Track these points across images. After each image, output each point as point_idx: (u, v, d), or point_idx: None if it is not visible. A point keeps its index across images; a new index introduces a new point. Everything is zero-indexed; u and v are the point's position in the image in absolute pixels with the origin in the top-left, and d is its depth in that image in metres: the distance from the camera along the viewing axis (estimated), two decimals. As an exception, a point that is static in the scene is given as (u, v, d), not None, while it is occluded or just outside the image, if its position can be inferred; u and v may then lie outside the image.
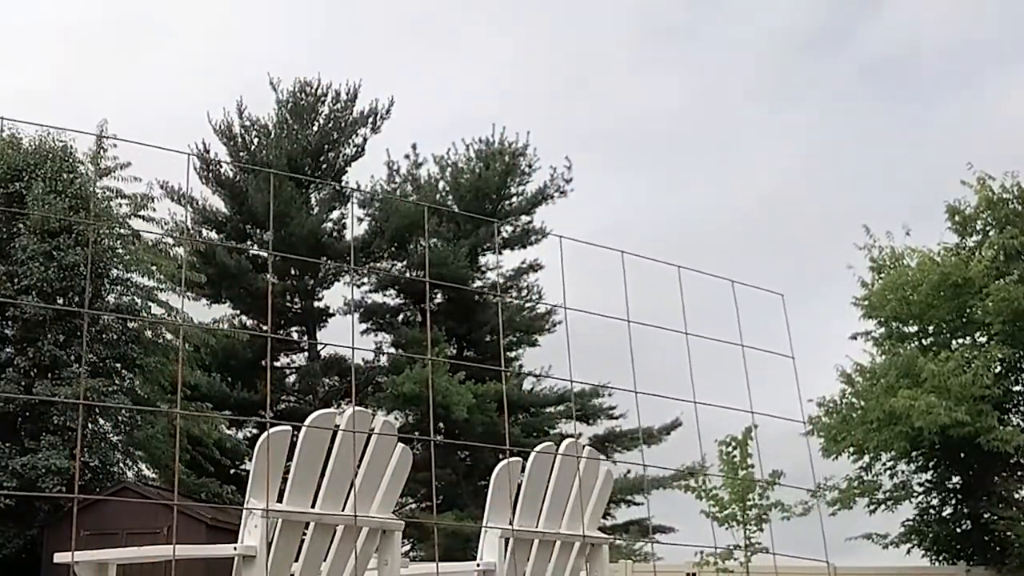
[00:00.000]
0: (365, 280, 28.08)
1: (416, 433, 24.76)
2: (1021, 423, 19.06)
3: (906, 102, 34.48)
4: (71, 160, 18.70)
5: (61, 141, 18.79)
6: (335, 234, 26.98)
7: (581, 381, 3.44)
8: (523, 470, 4.64)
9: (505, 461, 4.60)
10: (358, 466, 3.99)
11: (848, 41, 34.45)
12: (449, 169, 28.52)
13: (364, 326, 27.94)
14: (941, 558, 19.58)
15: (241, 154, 26.82)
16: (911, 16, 32.07)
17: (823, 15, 33.01)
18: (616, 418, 27.48)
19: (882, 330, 19.69)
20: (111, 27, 33.21)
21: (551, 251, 27.70)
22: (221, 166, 27.09)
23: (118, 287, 19.14)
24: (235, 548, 3.66)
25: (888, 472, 19.79)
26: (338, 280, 27.87)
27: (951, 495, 19.95)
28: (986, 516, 18.67)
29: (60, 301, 17.75)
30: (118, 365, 18.91)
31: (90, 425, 18.06)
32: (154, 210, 21.09)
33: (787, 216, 34.45)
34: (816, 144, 34.98)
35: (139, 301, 19.35)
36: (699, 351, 3.53)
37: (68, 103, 28.40)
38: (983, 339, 18.84)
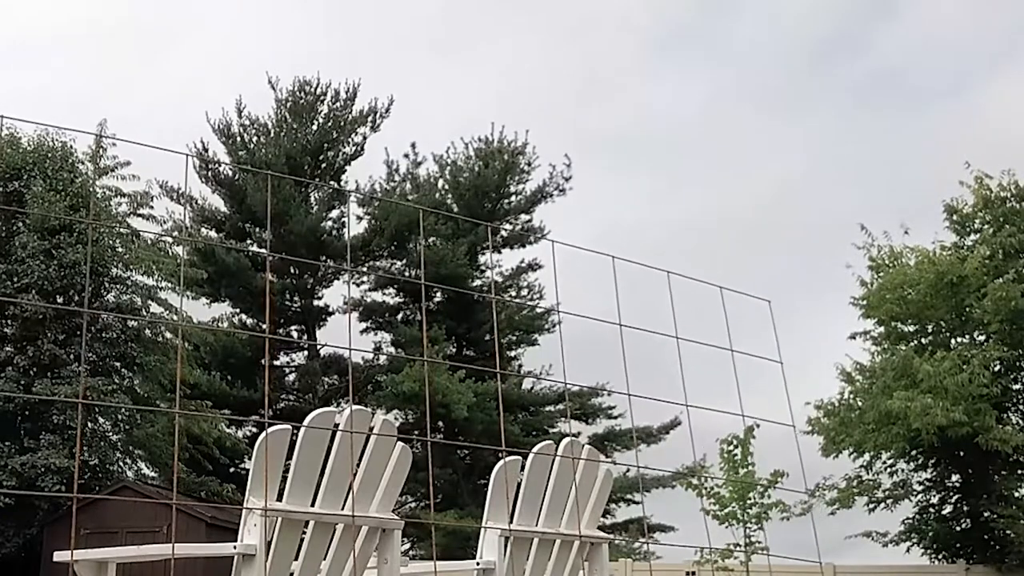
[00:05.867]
0: (364, 279, 28.07)
1: (416, 432, 24.75)
2: (1020, 422, 19.06)
3: (907, 103, 34.52)
4: (70, 159, 18.70)
5: (60, 140, 18.79)
6: (335, 233, 26.98)
7: (576, 383, 3.43)
8: (523, 469, 4.64)
9: (504, 460, 4.60)
10: (358, 465, 3.99)
11: (852, 46, 34.50)
12: (448, 168, 28.51)
13: (363, 325, 27.94)
14: (940, 556, 19.58)
15: (240, 153, 26.80)
16: (914, 20, 32.14)
17: (829, 21, 33.09)
18: (615, 417, 27.52)
19: (880, 329, 19.68)
20: (110, 27, 33.20)
21: (551, 250, 27.66)
22: (220, 165, 27.08)
23: (117, 286, 19.14)
24: (235, 547, 3.66)
25: (888, 471, 19.80)
26: (337, 279, 27.87)
27: (950, 493, 19.95)
28: (985, 515, 18.67)
29: (60, 299, 17.74)
30: (118, 364, 18.90)
31: (89, 424, 18.05)
32: (152, 208, 21.13)
33: (787, 218, 34.48)
34: (817, 146, 35.06)
35: (139, 300, 19.34)
36: (695, 354, 3.53)
37: (67, 102, 28.39)
38: (981, 338, 18.82)
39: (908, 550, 19.71)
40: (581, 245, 3.58)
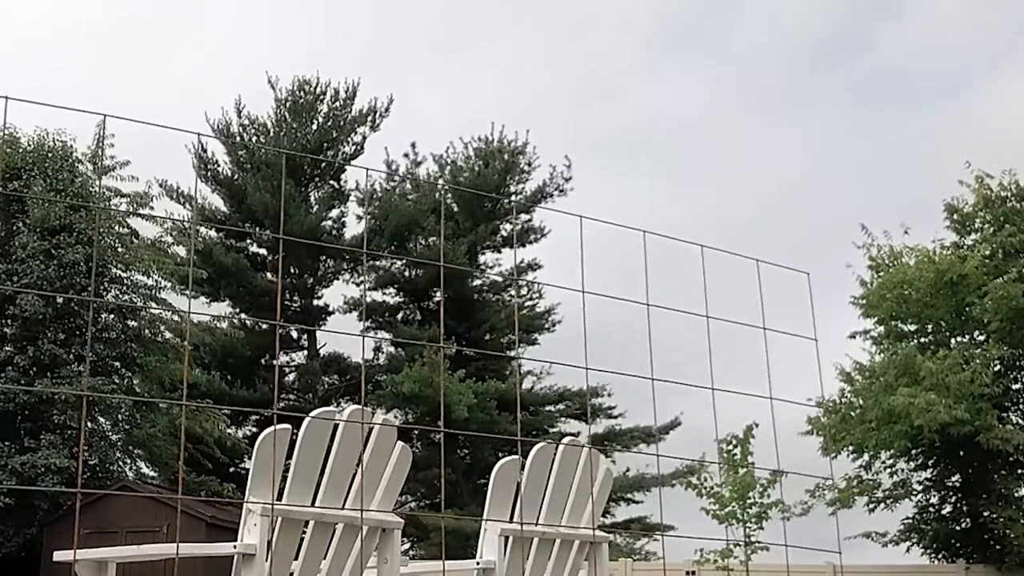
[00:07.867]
0: (365, 278, 28.07)
1: (415, 432, 24.77)
2: (1020, 421, 19.05)
3: (907, 103, 34.57)
4: (70, 159, 18.70)
5: (60, 140, 18.79)
6: (334, 232, 26.97)
7: (597, 368, 3.32)
8: (523, 468, 4.64)
9: (505, 459, 4.60)
10: (358, 464, 3.99)
11: (852, 46, 34.54)
12: (448, 168, 28.51)
13: (363, 324, 27.93)
14: (940, 556, 19.56)
15: (240, 152, 26.79)
16: (914, 20, 32.18)
17: (829, 21, 33.12)
18: (615, 417, 27.51)
19: (880, 329, 19.67)
20: (110, 27, 33.22)
21: (550, 250, 27.72)
22: (218, 163, 27.05)
23: (117, 286, 19.14)
24: (235, 546, 3.66)
25: (888, 470, 19.78)
26: (338, 278, 27.86)
27: (950, 493, 19.93)
28: (985, 514, 18.65)
29: (60, 299, 17.74)
30: (117, 364, 18.90)
31: (90, 424, 18.04)
32: (152, 208, 21.10)
33: (787, 218, 34.50)
34: (817, 146, 35.12)
35: (139, 300, 19.34)
36: (705, 342, 3.41)
37: (67, 102, 28.32)
38: (981, 337, 18.82)
39: (908, 550, 19.71)
40: (610, 222, 3.44)
